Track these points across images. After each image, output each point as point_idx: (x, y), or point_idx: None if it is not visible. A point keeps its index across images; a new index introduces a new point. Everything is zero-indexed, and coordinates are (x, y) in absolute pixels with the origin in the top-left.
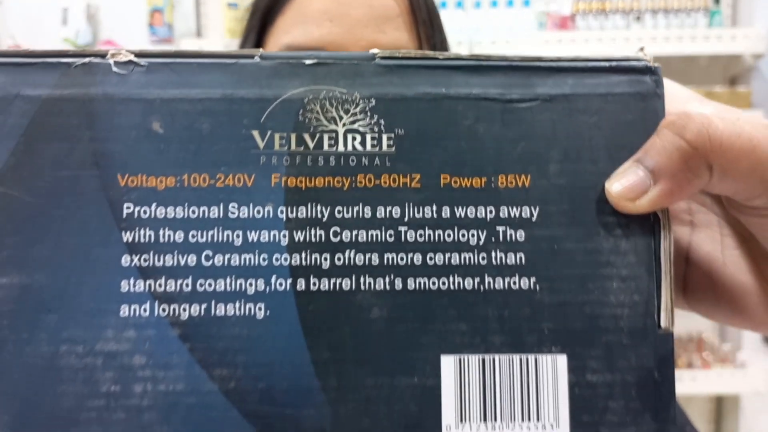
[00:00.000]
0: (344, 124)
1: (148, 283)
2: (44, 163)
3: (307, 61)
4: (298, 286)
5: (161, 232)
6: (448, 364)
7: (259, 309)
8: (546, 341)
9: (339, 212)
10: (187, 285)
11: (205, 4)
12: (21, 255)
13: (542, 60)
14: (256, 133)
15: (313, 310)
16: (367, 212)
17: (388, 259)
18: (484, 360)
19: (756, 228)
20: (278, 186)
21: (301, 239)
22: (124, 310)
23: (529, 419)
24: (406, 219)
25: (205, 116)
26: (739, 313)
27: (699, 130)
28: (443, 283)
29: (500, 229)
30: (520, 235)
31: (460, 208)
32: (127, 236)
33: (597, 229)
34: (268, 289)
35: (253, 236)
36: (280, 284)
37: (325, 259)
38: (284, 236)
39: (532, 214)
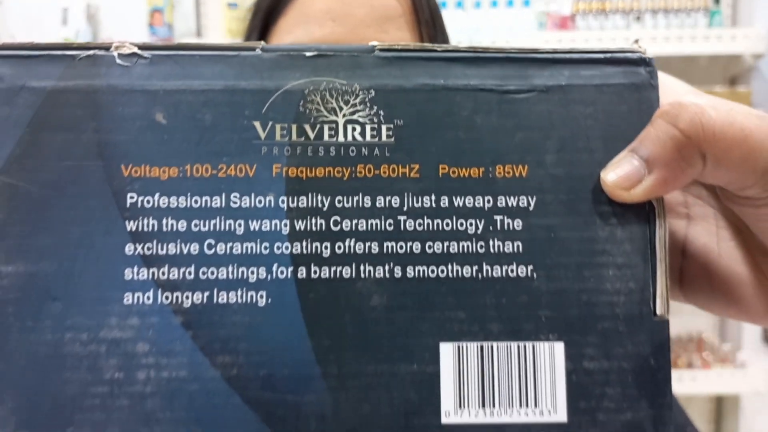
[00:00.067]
0: (344, 115)
1: (151, 271)
2: (49, 154)
3: (308, 53)
4: (299, 274)
5: (164, 221)
6: (447, 351)
7: (261, 297)
8: (543, 329)
9: (339, 202)
10: (189, 273)
11: (205, 4)
12: (26, 244)
13: (538, 52)
14: (257, 124)
15: (314, 298)
16: (367, 202)
17: (387, 247)
18: (482, 347)
19: (750, 219)
20: (279, 176)
21: (302, 228)
22: (128, 298)
23: (527, 405)
24: (405, 208)
25: (208, 107)
26: (735, 304)
27: (692, 119)
28: (442, 272)
29: (498, 218)
30: (518, 224)
31: (458, 198)
32: (130, 225)
33: (593, 218)
34: (269, 277)
35: (254, 225)
36: (282, 272)
37: (326, 247)
38: (285, 225)
39: (529, 204)
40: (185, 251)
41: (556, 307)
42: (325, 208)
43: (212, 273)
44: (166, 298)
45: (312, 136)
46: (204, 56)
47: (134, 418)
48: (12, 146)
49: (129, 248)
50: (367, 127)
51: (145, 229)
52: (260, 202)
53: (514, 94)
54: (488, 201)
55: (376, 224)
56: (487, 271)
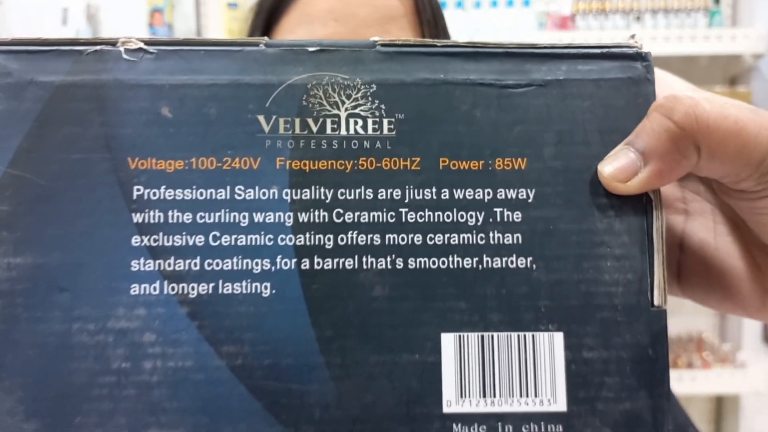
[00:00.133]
0: (346, 109)
1: (157, 262)
2: (57, 147)
3: (311, 48)
4: (302, 266)
5: (170, 214)
6: (448, 341)
7: (265, 288)
8: (543, 319)
9: (342, 194)
10: (195, 264)
11: (205, 4)
12: (34, 236)
13: (537, 47)
14: (261, 118)
15: (317, 288)
16: (369, 194)
17: (389, 239)
18: (483, 337)
19: (745, 212)
20: (283, 169)
21: (306, 220)
22: (135, 289)
23: (527, 395)
24: (406, 201)
25: (213, 101)
26: (732, 298)
27: (686, 111)
28: (443, 263)
29: (498, 210)
30: (517, 216)
31: (458, 190)
32: (137, 217)
33: (591, 210)
34: (273, 268)
35: (258, 217)
36: (285, 264)
37: (329, 239)
38: (289, 217)
39: (528, 196)
40: (191, 243)
41: (556, 298)
42: (327, 201)
43: (217, 264)
44: (172, 289)
45: (315, 129)
46: (209, 51)
47: (141, 407)
48: (20, 139)
49: (136, 240)
50: (369, 121)
51: (152, 221)
52: (264, 194)
53: (513, 88)
54: (488, 193)
55: (378, 216)
56: (487, 262)
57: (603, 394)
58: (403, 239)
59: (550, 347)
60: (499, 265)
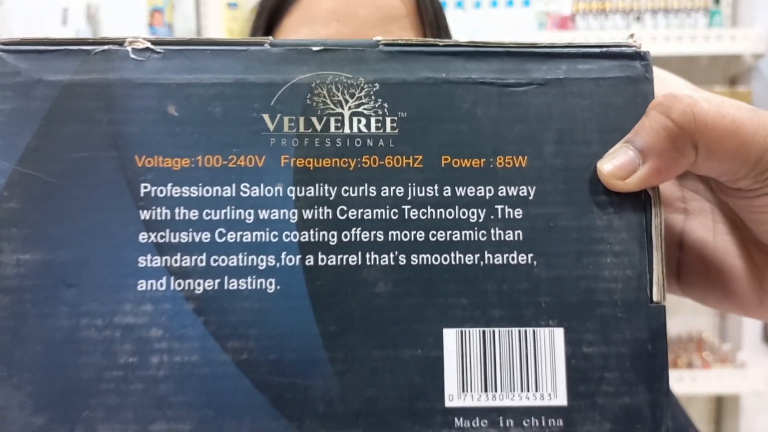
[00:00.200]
0: (350, 108)
1: (164, 259)
2: (65, 145)
3: (315, 48)
4: (306, 262)
5: (177, 211)
6: (450, 336)
7: (270, 284)
8: (543, 315)
9: (345, 191)
10: (201, 261)
11: (205, 4)
12: (42, 232)
13: (537, 46)
14: (266, 117)
15: (321, 284)
16: (372, 191)
17: (392, 236)
18: (484, 333)
19: (742, 211)
20: (287, 166)
21: (310, 217)
22: (142, 285)
23: (528, 389)
24: (409, 198)
25: (218, 100)
26: (730, 296)
27: (684, 109)
28: (445, 259)
29: (499, 207)
30: (518, 213)
31: (460, 188)
32: (144, 214)
33: (591, 207)
34: (278, 264)
35: (264, 214)
36: (290, 260)
37: (333, 236)
38: (293, 214)
39: (529, 193)
40: (197, 239)
41: (556, 294)
42: (331, 198)
43: (223, 261)
44: (179, 285)
45: (319, 127)
46: (214, 51)
47: (147, 401)
48: (29, 138)
49: (143, 236)
50: (372, 119)
51: (158, 218)
52: (269, 191)
53: (514, 87)
54: (489, 191)
55: (381, 213)
56: (488, 258)
57: (603, 388)
58: (405, 236)
59: (551, 342)
60: (501, 262)
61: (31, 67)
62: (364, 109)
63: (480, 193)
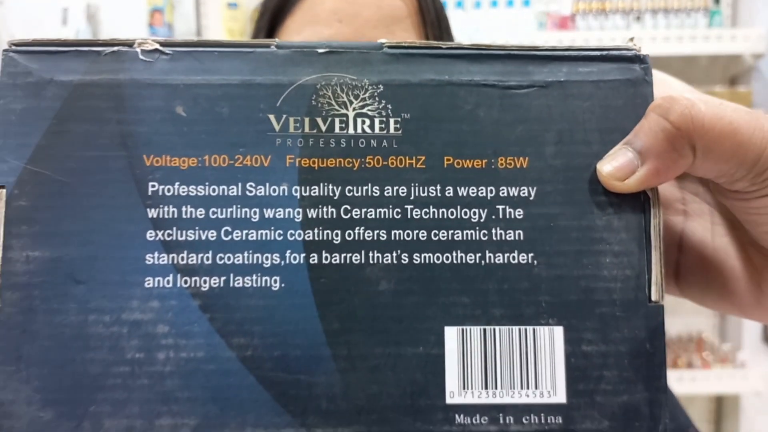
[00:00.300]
0: (354, 109)
1: (171, 256)
2: (75, 144)
3: (320, 50)
4: (311, 260)
5: (184, 209)
6: (451, 334)
7: (275, 281)
8: (543, 313)
9: (349, 191)
10: (207, 258)
11: (204, 4)
12: (52, 230)
13: (538, 49)
14: (272, 117)
15: (325, 283)
16: (376, 191)
17: (395, 235)
18: (485, 331)
19: (740, 212)
20: (293, 166)
21: (314, 216)
22: (149, 282)
23: (528, 387)
24: (411, 198)
25: (225, 101)
26: (728, 297)
27: (682, 111)
28: (447, 258)
29: (500, 207)
30: (519, 213)
31: (462, 188)
32: (152, 212)
33: (591, 207)
34: (283, 262)
35: (269, 213)
36: (294, 258)
37: (337, 235)
38: (298, 213)
39: (530, 194)
40: (203, 237)
41: (556, 293)
42: (336, 197)
43: (229, 258)
44: (185, 282)
45: (324, 128)
46: (222, 52)
47: (153, 396)
48: (39, 137)
49: (150, 234)
50: (376, 120)
51: (166, 216)
52: (274, 191)
53: (515, 89)
54: (491, 191)
55: (385, 213)
56: (490, 258)
57: (602, 386)
58: (408, 235)
59: (551, 341)
60: (502, 261)
61: (42, 68)
62: (368, 110)
63: (482, 193)
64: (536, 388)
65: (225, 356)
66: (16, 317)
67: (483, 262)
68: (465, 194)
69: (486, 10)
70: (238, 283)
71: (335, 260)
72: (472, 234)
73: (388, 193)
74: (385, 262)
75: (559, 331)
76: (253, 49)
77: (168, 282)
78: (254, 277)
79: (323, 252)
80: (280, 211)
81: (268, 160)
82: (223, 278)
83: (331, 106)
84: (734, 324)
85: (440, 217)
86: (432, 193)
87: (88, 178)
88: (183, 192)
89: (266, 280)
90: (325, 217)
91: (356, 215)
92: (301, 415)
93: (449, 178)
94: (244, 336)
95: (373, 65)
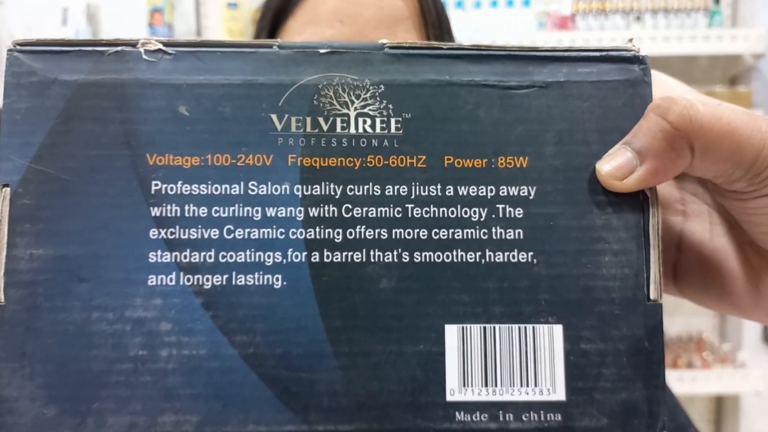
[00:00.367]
0: (355, 109)
1: (174, 254)
2: (78, 143)
3: (322, 50)
4: (312, 259)
5: (186, 208)
6: (451, 332)
7: (277, 280)
8: (543, 312)
9: (351, 190)
10: (210, 257)
11: (204, 4)
12: (56, 228)
13: (538, 50)
14: (274, 117)
15: (327, 281)
16: (377, 190)
17: (396, 234)
18: (485, 329)
19: (738, 212)
20: (294, 165)
21: (316, 215)
22: (152, 280)
23: (528, 385)
24: (412, 197)
25: (228, 101)
26: (726, 297)
27: (681, 112)
28: (447, 257)
29: (500, 206)
30: (519, 212)
31: (462, 187)
32: (155, 211)
33: (590, 206)
34: (284, 261)
35: (271, 212)
36: (296, 257)
37: (338, 233)
38: (300, 212)
39: (529, 193)
40: (206, 236)
41: (556, 292)
42: (337, 196)
43: (231, 257)
44: (188, 280)
45: (325, 128)
46: (224, 52)
47: (156, 393)
48: (43, 136)
49: (153, 233)
50: (377, 120)
51: (169, 214)
52: (276, 190)
53: (515, 89)
54: (491, 190)
55: (386, 212)
56: (490, 256)
57: (600, 384)
58: (409, 234)
59: (550, 339)
60: (502, 260)
61: (46, 67)
62: (370, 110)
63: (482, 192)
64: (536, 385)
65: (227, 354)
66: (20, 315)
67: (483, 260)
68: (465, 193)
69: (486, 10)
70: (241, 281)
71: (337, 259)
72: (472, 233)
73: (389, 192)
74: (386, 260)
75: (558, 329)
76: (255, 50)
77: (171, 280)
78: (256, 276)
79: (325, 250)
80: (282, 209)
81: (270, 159)
82: (225, 276)
83: (333, 106)
84: (734, 324)
85: (441, 216)
86: (432, 192)
87: (92, 177)
88: (186, 191)
89: (268, 279)
90: (327, 215)
91: (357, 214)
92: (302, 411)
93: (450, 177)
94: (246, 334)
95: (374, 65)
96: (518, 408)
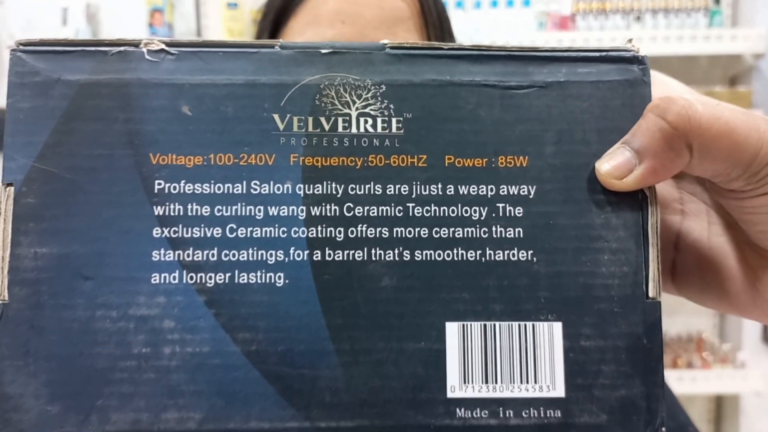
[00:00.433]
0: (357, 108)
1: (177, 253)
2: (82, 142)
3: (323, 51)
4: (314, 257)
5: (189, 207)
6: (452, 330)
7: (279, 278)
8: (543, 309)
9: (352, 189)
10: (212, 255)
11: (205, 4)
12: (60, 227)
13: (538, 50)
14: (276, 116)
15: (328, 279)
16: (378, 189)
17: (397, 232)
18: (485, 326)
19: (736, 212)
20: (296, 165)
21: (318, 214)
22: (155, 278)
23: (528, 381)
24: (413, 196)
25: (230, 100)
26: (724, 296)
27: (679, 111)
28: (448, 255)
29: (500, 205)
30: (519, 211)
31: (463, 186)
32: (158, 210)
33: (589, 205)
34: (286, 259)
35: (273, 211)
36: (298, 255)
37: (339, 232)
38: (302, 211)
39: (529, 192)
40: (209, 234)
41: (555, 289)
42: (338, 195)
43: (234, 255)
44: (191, 278)
45: (327, 127)
46: (227, 53)
47: (160, 390)
48: (47, 135)
49: (156, 231)
50: (378, 120)
51: (172, 213)
52: (279, 189)
53: (516, 89)
54: (491, 189)
55: (387, 210)
56: (490, 255)
57: (600, 381)
58: (410, 232)
59: (550, 336)
60: (502, 258)
61: (49, 67)
62: (371, 109)
63: (482, 191)
64: (535, 382)
65: (230, 351)
66: (24, 312)
67: (483, 259)
68: (466, 192)
69: (486, 11)
70: (243, 280)
71: (338, 257)
72: (472, 231)
73: (390, 191)
74: (387, 258)
75: (558, 327)
76: (257, 50)
77: (174, 278)
78: (259, 274)
79: (326, 249)
80: (284, 208)
81: (272, 158)
82: (228, 274)
83: (335, 106)
84: (734, 324)
85: (441, 215)
86: (433, 191)
87: (95, 176)
88: (189, 190)
89: (270, 277)
90: (329, 214)
91: (359, 213)
92: (304, 408)
93: (450, 176)
94: (248, 331)
95: (375, 65)
96: (518, 404)
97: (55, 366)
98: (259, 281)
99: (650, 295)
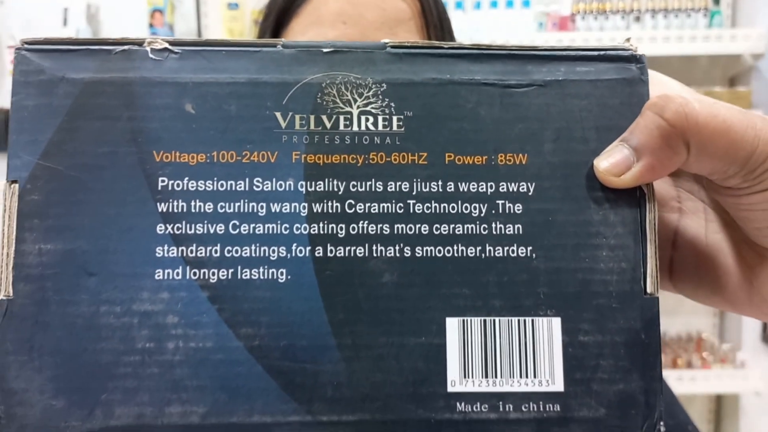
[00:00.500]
0: (358, 107)
1: (180, 249)
2: (86, 140)
3: (325, 50)
4: (316, 253)
5: (193, 203)
6: (452, 325)
7: (281, 274)
8: (542, 305)
9: (353, 186)
10: (215, 251)
11: (205, 4)
12: (64, 223)
13: (537, 49)
14: (278, 114)
15: (330, 275)
16: (379, 187)
17: (398, 229)
18: (485, 322)
19: (732, 209)
20: (298, 162)
21: (319, 211)
22: (159, 274)
23: (527, 376)
24: (414, 193)
25: (233, 99)
26: (720, 293)
27: (677, 109)
28: (448, 252)
29: (500, 202)
30: (518, 208)
31: (463, 184)
32: (161, 207)
33: (588, 202)
34: (289, 255)
35: (275, 208)
36: (300, 251)
37: (341, 228)
38: (304, 208)
39: (528, 189)
40: (212, 231)
41: (554, 285)
42: (340, 192)
43: (236, 251)
44: (194, 274)
45: (328, 125)
46: (229, 51)
47: (163, 385)
48: (52, 133)
49: (160, 228)
50: (380, 118)
51: (175, 210)
52: (281, 186)
53: (515, 88)
54: (491, 186)
55: (388, 207)
56: (490, 251)
57: (598, 375)
58: (410, 229)
59: (549, 331)
60: (501, 254)
61: (54, 66)
62: (372, 108)
63: (482, 188)
64: (535, 376)
65: (233, 346)
66: (29, 308)
67: (483, 255)
68: (466, 190)
69: (486, 11)
70: (246, 276)
71: (340, 253)
72: (472, 228)
73: (391, 188)
74: (388, 255)
75: (557, 322)
76: (260, 49)
77: (177, 274)
78: (261, 270)
79: (328, 245)
80: (286, 205)
81: (274, 156)
82: (231, 270)
83: (336, 104)
84: (734, 324)
85: (442, 211)
86: (434, 188)
87: (100, 174)
88: (192, 187)
89: (273, 273)
90: (330, 211)
91: (360, 210)
92: (307, 402)
93: (450, 174)
94: (251, 326)
95: (376, 64)
96: (518, 398)
97: (60, 361)
98: (261, 277)
99: (648, 290)
